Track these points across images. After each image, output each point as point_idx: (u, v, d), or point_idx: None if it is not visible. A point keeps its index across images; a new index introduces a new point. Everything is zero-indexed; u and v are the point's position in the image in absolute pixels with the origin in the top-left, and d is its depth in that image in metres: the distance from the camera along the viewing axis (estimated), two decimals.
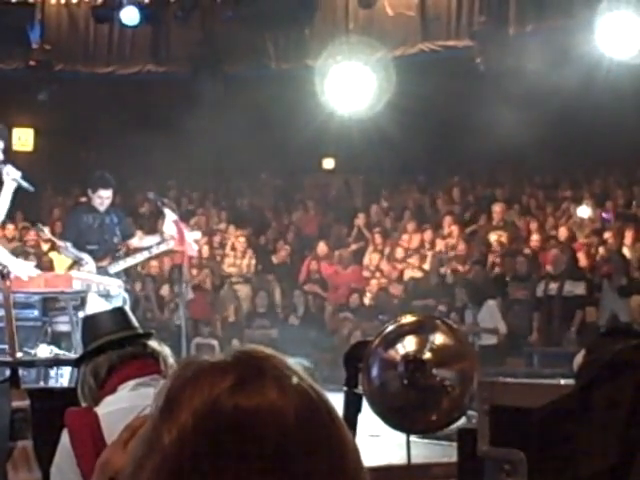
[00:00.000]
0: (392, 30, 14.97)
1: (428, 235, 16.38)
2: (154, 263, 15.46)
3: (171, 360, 3.77)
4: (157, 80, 16.47)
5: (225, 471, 1.19)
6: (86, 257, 9.82)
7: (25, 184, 8.82)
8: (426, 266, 15.82)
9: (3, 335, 6.93)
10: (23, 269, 8.66)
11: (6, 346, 6.63)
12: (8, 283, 6.76)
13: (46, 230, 10.20)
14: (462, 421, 3.85)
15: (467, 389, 3.38)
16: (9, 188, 8.85)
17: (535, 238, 15.29)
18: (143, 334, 3.89)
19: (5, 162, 8.78)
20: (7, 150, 8.94)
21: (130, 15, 14.90)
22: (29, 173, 9.22)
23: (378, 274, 16.15)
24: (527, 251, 15.14)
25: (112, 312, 4.02)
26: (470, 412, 3.93)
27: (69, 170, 17.03)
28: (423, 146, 16.28)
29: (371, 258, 16.57)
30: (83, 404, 3.72)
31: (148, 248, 10.47)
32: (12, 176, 8.78)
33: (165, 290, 15.88)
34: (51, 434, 3.76)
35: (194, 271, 15.49)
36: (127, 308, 4.82)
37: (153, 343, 3.81)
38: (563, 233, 15.15)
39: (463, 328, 13.08)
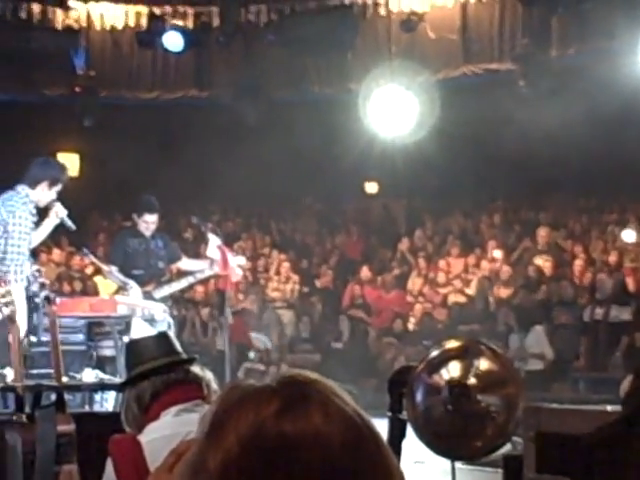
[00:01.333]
0: (434, 53, 14.96)
1: (472, 259, 16.31)
2: (198, 287, 15.51)
3: (214, 385, 3.78)
4: (200, 105, 16.56)
5: None
6: (131, 282, 9.87)
7: (69, 223, 8.94)
8: (469, 291, 15.74)
9: (49, 359, 6.98)
10: None
11: (52, 370, 6.67)
12: (54, 307, 6.81)
13: (91, 255, 10.26)
14: (507, 447, 3.81)
15: (512, 415, 3.35)
16: (51, 223, 8.96)
17: (580, 262, 15.17)
18: (186, 359, 3.89)
19: (55, 200, 8.91)
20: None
21: (173, 41, 15.01)
22: (74, 198, 9.31)
23: (422, 299, 16.09)
24: (572, 276, 15.02)
25: (155, 337, 4.03)
26: (515, 438, 3.90)
27: (114, 195, 17.14)
28: (466, 169, 16.22)
29: (414, 283, 16.51)
30: (127, 430, 3.73)
31: (193, 273, 10.52)
32: (60, 214, 8.92)
33: (207, 314, 15.92)
34: (96, 458, 3.78)
35: (237, 295, 15.52)
36: (171, 333, 4.84)
37: (196, 368, 3.81)
38: (609, 257, 15.03)
39: (509, 353, 13.01)
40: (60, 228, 9.21)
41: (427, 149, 14.08)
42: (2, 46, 14.91)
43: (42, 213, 8.96)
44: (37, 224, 8.91)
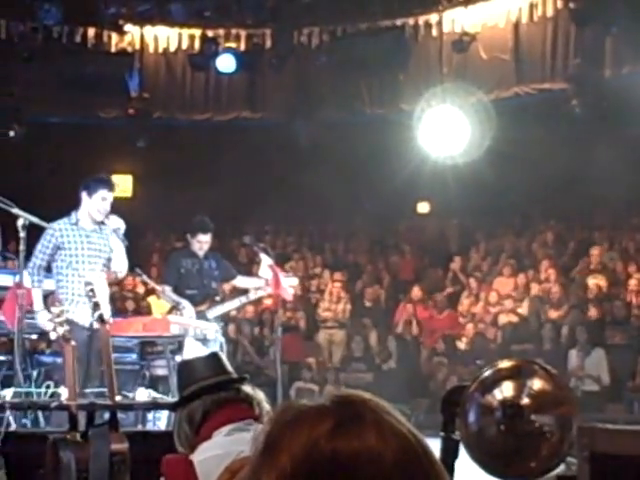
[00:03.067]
0: (486, 74, 14.93)
1: (524, 279, 16.20)
2: (248, 307, 15.55)
3: (265, 405, 3.78)
4: (253, 126, 16.65)
5: None
6: (184, 302, 9.92)
7: (120, 237, 8.92)
8: (522, 310, 15.63)
9: (103, 378, 7.03)
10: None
11: (105, 389, 6.73)
12: (107, 327, 6.87)
13: (144, 275, 10.33)
14: (561, 468, 3.78)
15: (566, 435, 3.32)
16: (116, 240, 8.97)
17: (634, 282, 15.01)
18: (237, 379, 3.91)
19: (110, 213, 8.94)
20: None
21: (226, 63, 15.13)
22: (127, 219, 9.38)
23: (473, 318, 16.01)
24: (626, 295, 14.87)
25: (207, 358, 4.05)
26: (570, 459, 3.86)
27: (167, 215, 17.26)
28: (518, 189, 16.14)
29: (466, 302, 16.43)
30: (179, 449, 3.75)
31: (246, 293, 10.56)
32: (113, 225, 8.93)
33: (257, 333, 15.97)
34: (149, 477, 3.80)
35: (288, 314, 15.54)
36: (222, 353, 4.85)
37: (247, 388, 3.82)
38: None
39: (566, 373, 12.92)
40: None
41: (478, 168, 14.03)
42: (58, 70, 15.13)
43: None
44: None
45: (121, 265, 9.02)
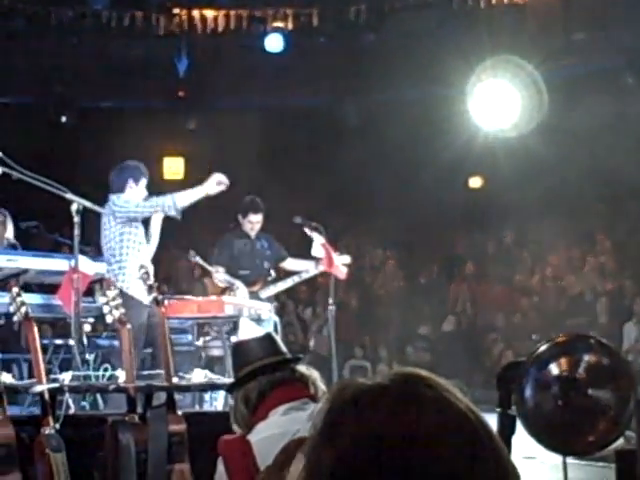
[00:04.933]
0: (537, 46, 14.77)
1: (579, 252, 16.08)
2: (301, 286, 15.57)
3: (320, 384, 3.80)
4: (301, 105, 16.63)
5: None
6: (237, 283, 9.96)
7: (172, 213, 9.01)
8: (577, 283, 15.52)
9: (160, 360, 7.09)
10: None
11: (162, 371, 6.78)
12: (163, 309, 6.92)
13: (198, 257, 10.38)
14: (620, 442, 3.75)
15: (625, 409, 3.29)
16: (158, 219, 9.10)
17: None
18: (291, 359, 3.93)
19: (149, 195, 9.04)
20: (150, 184, 9.22)
21: (274, 43, 15.11)
22: None
23: (529, 292, 15.92)
24: None
25: (260, 339, 4.07)
26: (628, 433, 3.83)
27: (218, 196, 17.31)
28: (569, 163, 15.98)
29: (520, 277, 16.35)
30: (236, 429, 3.77)
31: (299, 273, 10.57)
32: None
33: (309, 313, 16.00)
34: (207, 457, 3.83)
35: (340, 292, 15.55)
36: (277, 332, 4.87)
37: (301, 367, 3.84)
38: None
39: (624, 346, 12.82)
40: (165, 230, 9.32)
41: (530, 142, 13.91)
42: (107, 55, 15.22)
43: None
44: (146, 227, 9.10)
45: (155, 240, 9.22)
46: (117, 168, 9.18)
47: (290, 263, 10.68)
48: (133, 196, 8.95)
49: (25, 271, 8.81)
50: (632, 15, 14.27)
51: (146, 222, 9.10)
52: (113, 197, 8.95)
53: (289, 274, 10.76)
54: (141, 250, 8.88)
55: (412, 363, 13.77)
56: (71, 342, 8.24)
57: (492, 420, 3.24)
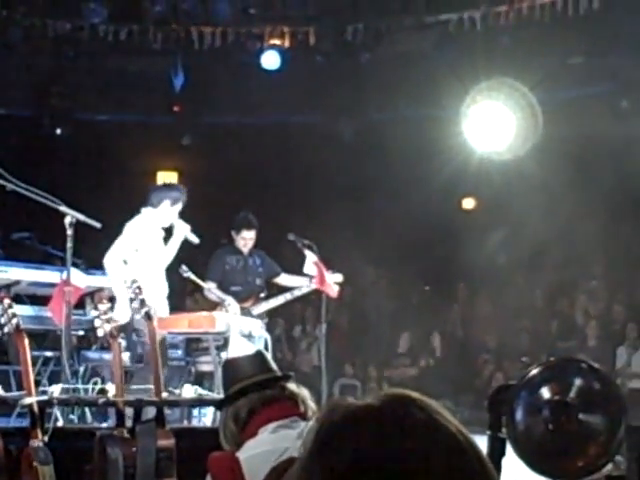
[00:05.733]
0: (531, 69, 14.81)
1: (570, 275, 16.09)
2: (293, 303, 15.57)
3: (310, 402, 3.81)
4: (298, 124, 16.65)
5: None
6: (229, 299, 9.96)
7: (193, 237, 9.32)
8: (568, 306, 15.53)
9: (149, 375, 7.08)
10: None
11: (151, 386, 6.77)
12: (154, 324, 6.91)
13: (190, 272, 10.38)
14: (609, 467, 3.75)
15: (615, 434, 3.30)
16: (178, 240, 9.32)
17: None
18: (281, 376, 3.93)
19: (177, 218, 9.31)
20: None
21: (271, 60, 15.13)
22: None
23: (520, 314, 15.92)
24: None
25: (251, 356, 4.08)
26: (618, 458, 3.83)
27: (212, 212, 17.32)
28: (562, 186, 16.01)
29: (513, 298, 16.35)
30: (225, 447, 3.77)
31: (291, 290, 10.58)
32: (184, 230, 9.30)
33: (299, 331, 15.98)
34: (196, 473, 3.83)
35: (332, 310, 15.54)
36: (268, 349, 4.87)
37: (291, 385, 3.85)
38: None
39: (614, 370, 12.83)
40: None
41: (525, 164, 13.94)
42: (104, 68, 15.23)
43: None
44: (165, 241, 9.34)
45: None
46: (163, 185, 9.85)
47: (284, 279, 10.69)
48: (165, 215, 9.45)
49: (16, 282, 8.81)
50: (628, 40, 14.32)
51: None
52: (143, 209, 9.41)
53: (281, 291, 10.76)
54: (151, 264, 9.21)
55: (401, 383, 13.76)
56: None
57: (482, 442, 3.24)
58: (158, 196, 9.37)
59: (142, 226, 9.21)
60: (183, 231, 9.40)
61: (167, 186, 9.70)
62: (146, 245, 9.12)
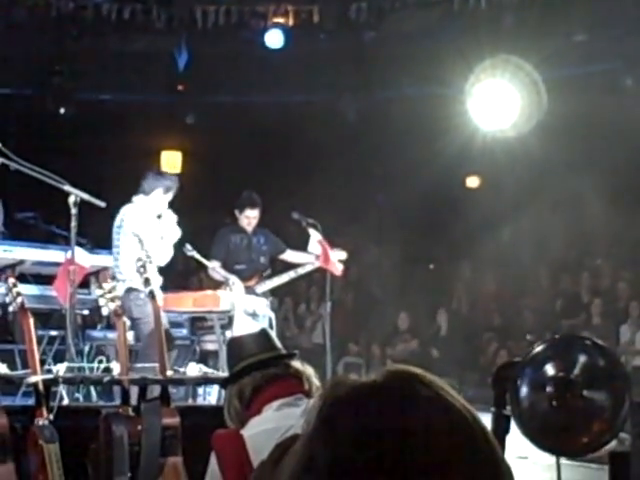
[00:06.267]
0: (536, 47, 14.76)
1: (574, 253, 16.10)
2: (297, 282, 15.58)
3: (315, 380, 3.81)
4: (301, 103, 16.62)
5: None
6: (233, 277, 9.96)
7: (174, 231, 9.28)
8: (572, 284, 15.54)
9: (154, 353, 7.09)
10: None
11: (156, 364, 6.78)
12: (158, 303, 6.92)
13: (194, 251, 10.38)
14: (613, 444, 3.76)
15: (619, 411, 3.30)
16: (169, 232, 9.28)
17: None
18: (286, 354, 3.94)
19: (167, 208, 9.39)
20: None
21: (274, 39, 15.09)
22: (177, 195, 9.53)
23: (525, 292, 15.94)
24: None
25: (255, 335, 4.08)
26: (622, 435, 3.83)
27: (215, 191, 17.32)
28: (566, 164, 15.98)
29: (517, 276, 16.36)
30: (230, 425, 3.78)
31: (295, 268, 10.59)
32: (171, 221, 9.28)
33: (303, 309, 16.00)
34: (201, 451, 3.83)
35: (336, 289, 15.56)
36: (270, 329, 4.87)
37: (296, 363, 3.85)
38: None
39: (618, 348, 12.85)
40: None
41: (529, 142, 13.91)
42: (107, 47, 15.19)
43: None
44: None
45: None
46: (155, 173, 9.84)
47: (289, 255, 10.69)
48: (157, 203, 9.39)
49: (21, 262, 8.82)
50: (632, 17, 14.27)
51: None
52: (135, 198, 9.34)
53: (285, 269, 10.77)
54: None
55: (406, 361, 13.77)
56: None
57: (486, 420, 3.24)
58: (150, 184, 9.30)
59: (138, 214, 9.14)
60: (171, 221, 9.34)
61: (160, 174, 9.64)
62: (145, 234, 9.06)
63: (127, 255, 8.73)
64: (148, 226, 9.06)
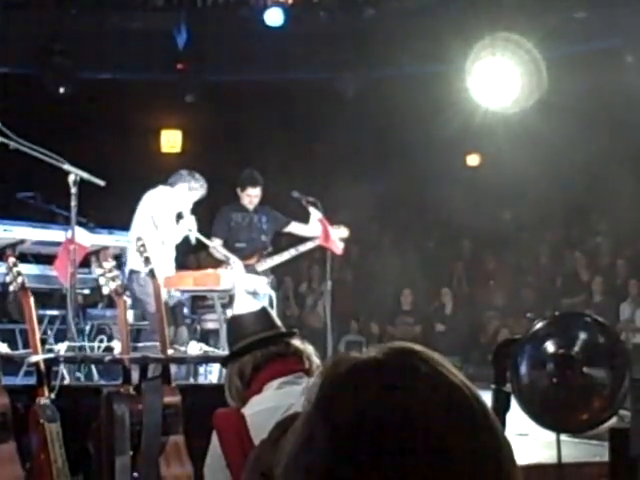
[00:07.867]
0: (536, 25, 14.72)
1: (575, 232, 16.09)
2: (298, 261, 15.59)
3: (315, 358, 3.81)
4: (301, 81, 16.58)
5: (380, 469, 1.19)
6: (233, 257, 9.96)
7: (192, 237, 9.51)
8: (572, 262, 15.54)
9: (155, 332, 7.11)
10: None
11: (158, 343, 6.80)
12: (158, 281, 6.92)
13: (195, 229, 10.38)
14: (614, 421, 3.76)
15: (619, 388, 3.30)
16: (181, 231, 9.41)
17: None
18: (286, 333, 3.94)
19: (190, 213, 9.67)
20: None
21: (274, 17, 15.04)
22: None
23: (525, 271, 15.94)
24: None
25: (255, 313, 4.08)
26: (622, 411, 3.84)
27: (216, 170, 17.30)
28: (566, 141, 15.96)
29: (517, 254, 16.36)
30: (231, 403, 3.79)
31: (295, 246, 10.59)
32: (189, 226, 9.39)
33: (304, 288, 16.00)
34: (202, 429, 3.84)
35: (337, 267, 15.56)
36: (272, 306, 4.87)
37: (296, 342, 3.86)
38: None
39: (618, 325, 12.86)
40: None
41: (529, 120, 13.89)
42: (107, 25, 15.13)
43: None
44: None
45: None
46: (188, 172, 10.04)
47: (295, 227, 10.68)
48: (178, 198, 9.68)
49: (21, 241, 8.82)
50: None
51: None
52: (160, 186, 9.68)
53: (286, 247, 10.77)
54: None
55: (407, 339, 13.79)
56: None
57: (487, 397, 3.25)
58: (177, 179, 9.63)
59: (158, 199, 9.35)
60: (189, 225, 9.51)
61: (189, 173, 9.82)
62: (160, 219, 9.24)
63: (136, 236, 8.78)
64: (165, 212, 9.22)
